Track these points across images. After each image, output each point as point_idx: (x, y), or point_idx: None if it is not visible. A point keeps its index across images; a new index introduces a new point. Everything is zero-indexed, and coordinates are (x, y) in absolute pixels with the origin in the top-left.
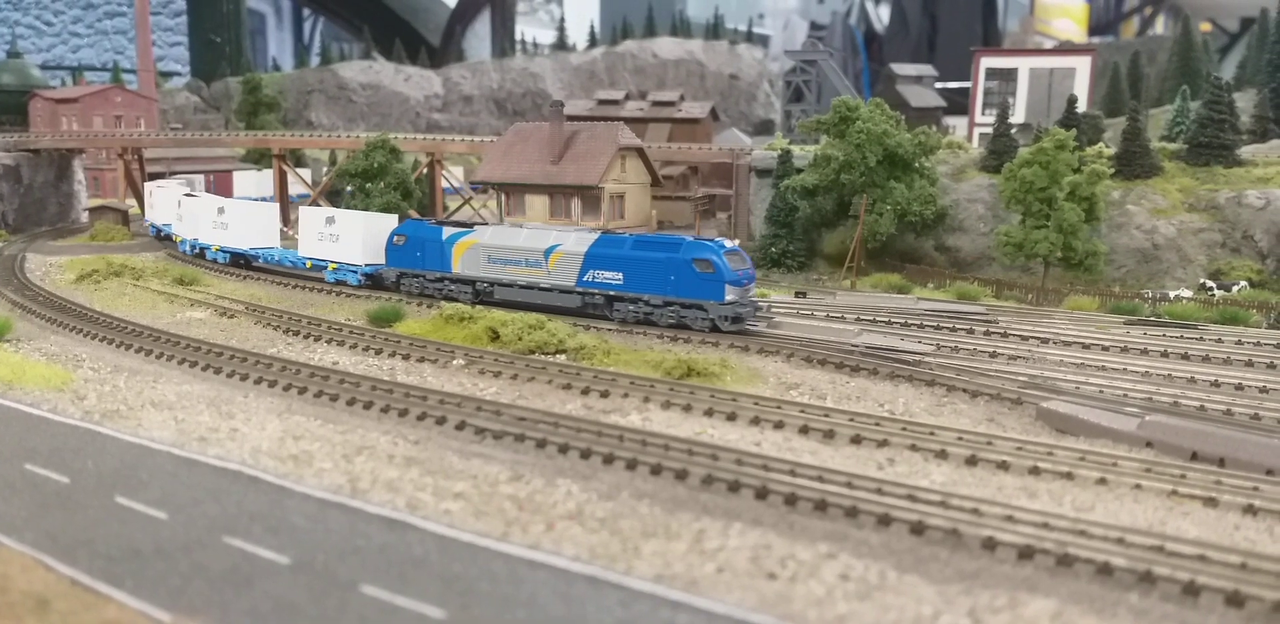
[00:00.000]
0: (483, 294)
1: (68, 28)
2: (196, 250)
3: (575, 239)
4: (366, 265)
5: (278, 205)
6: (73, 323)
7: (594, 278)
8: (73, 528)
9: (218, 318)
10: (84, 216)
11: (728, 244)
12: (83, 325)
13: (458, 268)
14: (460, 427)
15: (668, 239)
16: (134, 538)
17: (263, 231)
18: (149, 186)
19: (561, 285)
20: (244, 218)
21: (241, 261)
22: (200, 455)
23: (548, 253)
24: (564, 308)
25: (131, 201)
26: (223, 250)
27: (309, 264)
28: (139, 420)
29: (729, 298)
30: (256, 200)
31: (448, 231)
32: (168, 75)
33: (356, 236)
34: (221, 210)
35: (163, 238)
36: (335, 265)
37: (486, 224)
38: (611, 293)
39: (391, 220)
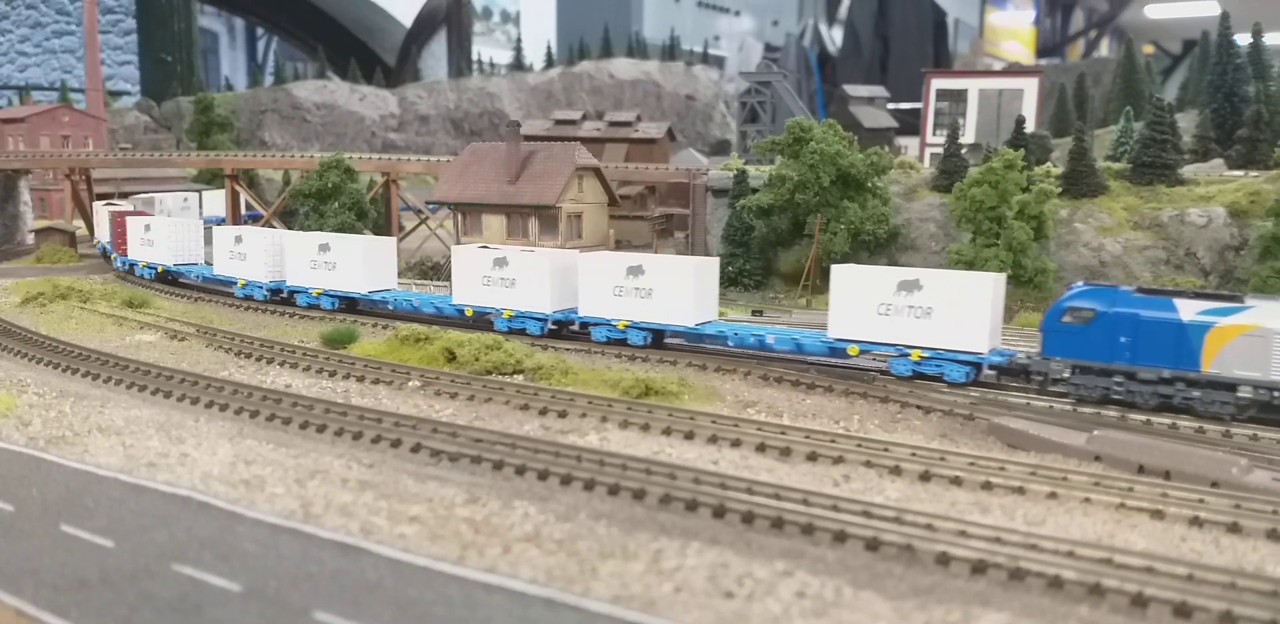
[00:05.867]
0: None
1: (15, 47)
2: (488, 318)
3: None
4: (992, 353)
5: (578, 253)
6: (17, 347)
7: None
8: (17, 557)
9: (168, 341)
10: (30, 238)
11: None
12: (28, 349)
13: (1213, 365)
14: (415, 449)
15: None
16: (80, 567)
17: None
18: (275, 234)
19: None
20: (579, 274)
21: (558, 331)
22: (149, 481)
23: None
24: None
25: (79, 223)
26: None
27: (858, 351)
28: (85, 446)
29: None
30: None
31: (1189, 307)
32: (117, 95)
33: (959, 310)
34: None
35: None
36: (922, 354)
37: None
38: None
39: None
